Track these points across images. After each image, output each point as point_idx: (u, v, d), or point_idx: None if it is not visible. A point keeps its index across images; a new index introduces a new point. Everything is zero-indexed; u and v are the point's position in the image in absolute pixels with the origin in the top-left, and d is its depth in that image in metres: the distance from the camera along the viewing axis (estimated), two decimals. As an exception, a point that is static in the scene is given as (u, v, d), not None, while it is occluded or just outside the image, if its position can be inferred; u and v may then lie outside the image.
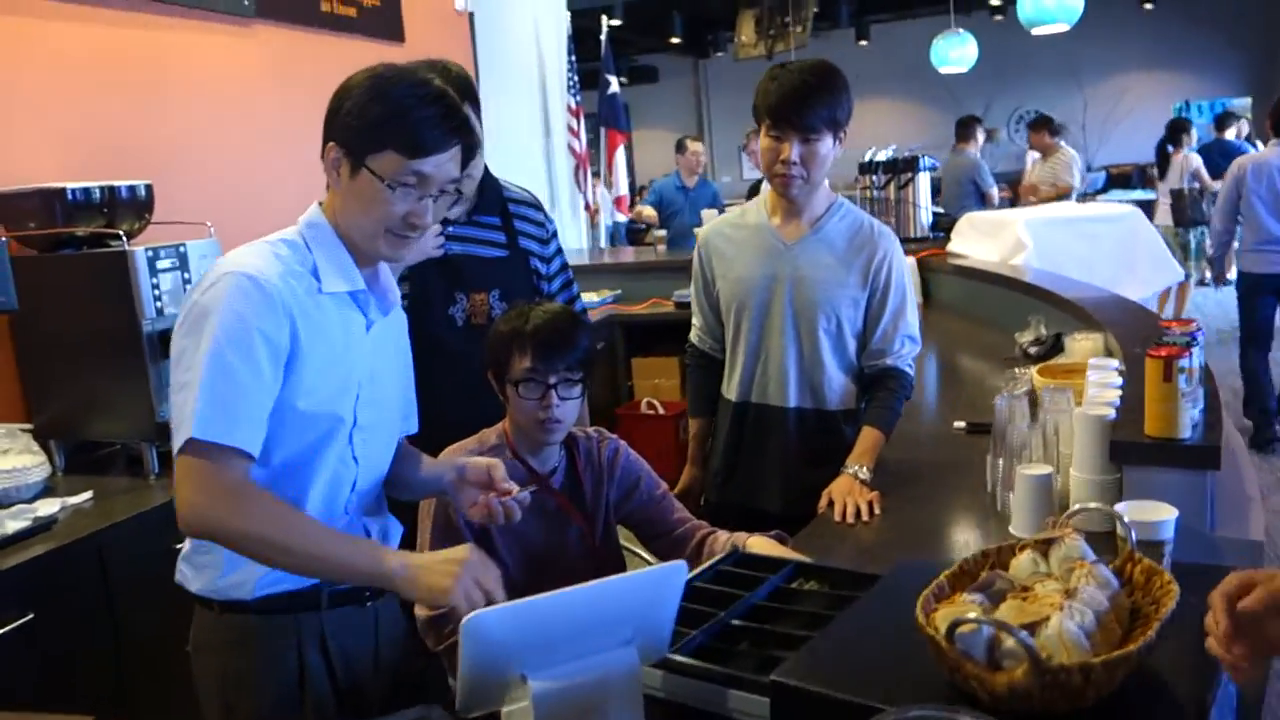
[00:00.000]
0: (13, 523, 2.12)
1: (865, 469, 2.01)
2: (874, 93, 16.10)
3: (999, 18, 13.67)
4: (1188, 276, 6.90)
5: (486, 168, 2.12)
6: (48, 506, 2.24)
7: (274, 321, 1.29)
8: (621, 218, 8.45)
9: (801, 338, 2.14)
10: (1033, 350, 3.06)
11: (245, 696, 1.38)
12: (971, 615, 1.01)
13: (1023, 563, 1.20)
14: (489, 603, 1.22)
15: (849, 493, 1.95)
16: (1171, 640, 1.10)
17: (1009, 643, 1.00)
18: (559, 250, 2.28)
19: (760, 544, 1.74)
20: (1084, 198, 10.57)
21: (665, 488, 1.99)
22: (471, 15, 5.25)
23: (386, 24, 4.23)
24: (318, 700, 1.39)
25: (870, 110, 16.59)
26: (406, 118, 1.32)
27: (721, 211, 4.33)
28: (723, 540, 1.85)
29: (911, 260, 4.37)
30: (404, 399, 1.61)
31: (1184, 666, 1.09)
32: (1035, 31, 5.77)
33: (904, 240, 4.66)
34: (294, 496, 1.35)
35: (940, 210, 5.09)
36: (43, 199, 2.49)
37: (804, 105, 1.99)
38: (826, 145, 2.04)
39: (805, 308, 2.12)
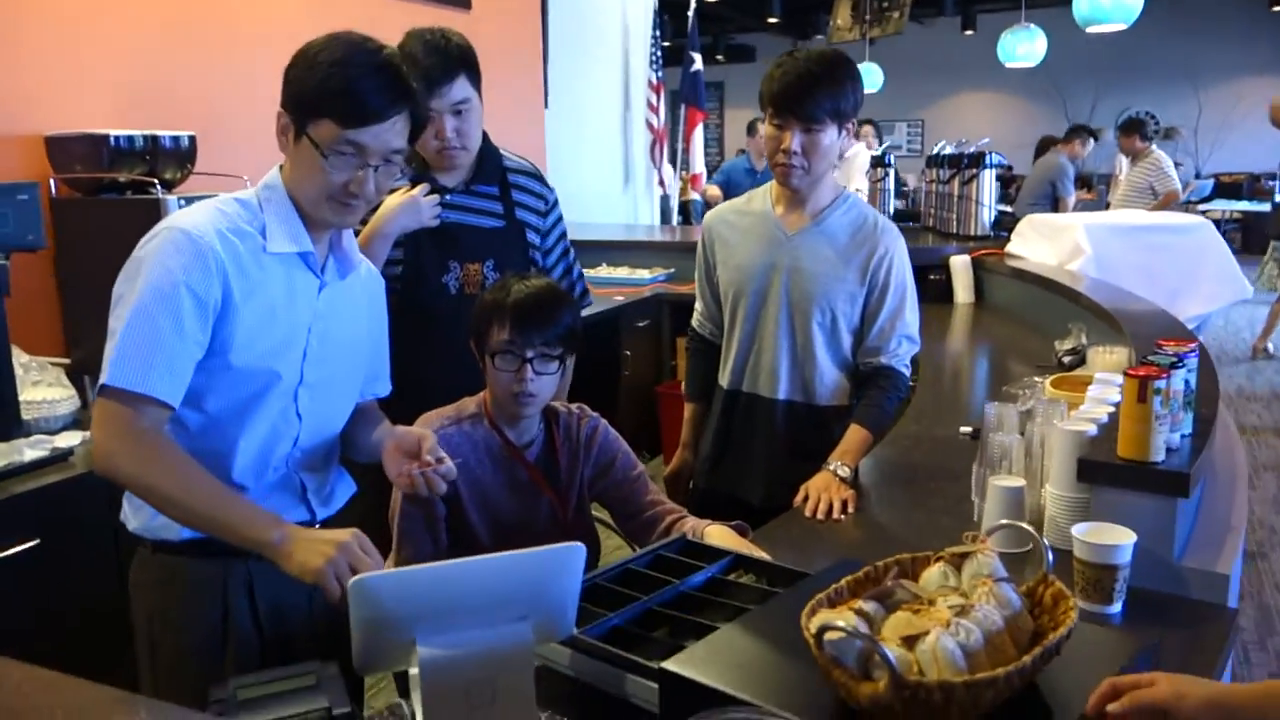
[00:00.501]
0: (31, 451, 2.23)
1: (845, 467, 1.98)
2: (976, 85, 15.67)
3: (1113, 12, 13.12)
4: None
5: (486, 136, 2.14)
6: (68, 439, 2.35)
7: (203, 277, 1.32)
8: (694, 195, 8.41)
9: (795, 330, 2.11)
10: (1067, 359, 2.97)
11: (169, 634, 1.43)
12: (839, 623, 0.99)
13: (933, 575, 1.17)
14: None
15: (825, 489, 1.93)
16: (1080, 668, 1.07)
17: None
18: (559, 220, 2.28)
19: (718, 534, 1.73)
20: (1187, 206, 10.14)
21: (641, 469, 1.99)
22: (545, -15, 5.25)
23: (453, -11, 4.27)
24: (241, 646, 1.44)
25: (970, 103, 16.22)
26: (345, 87, 1.33)
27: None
28: (689, 526, 1.85)
29: (966, 258, 4.27)
30: (369, 362, 1.64)
31: (1085, 694, 1.06)
32: (1091, 30, 5.52)
33: (963, 237, 4.58)
34: (225, 445, 1.39)
35: (1007, 209, 4.93)
36: (89, 144, 2.60)
37: (806, 95, 1.95)
38: (829, 136, 2.00)
39: (801, 299, 2.10)
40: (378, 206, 1.94)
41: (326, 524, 1.55)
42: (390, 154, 1.39)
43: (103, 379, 1.28)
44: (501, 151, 2.21)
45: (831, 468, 1.98)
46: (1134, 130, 6.77)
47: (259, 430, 1.42)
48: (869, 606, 1.09)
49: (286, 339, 1.42)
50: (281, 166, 1.46)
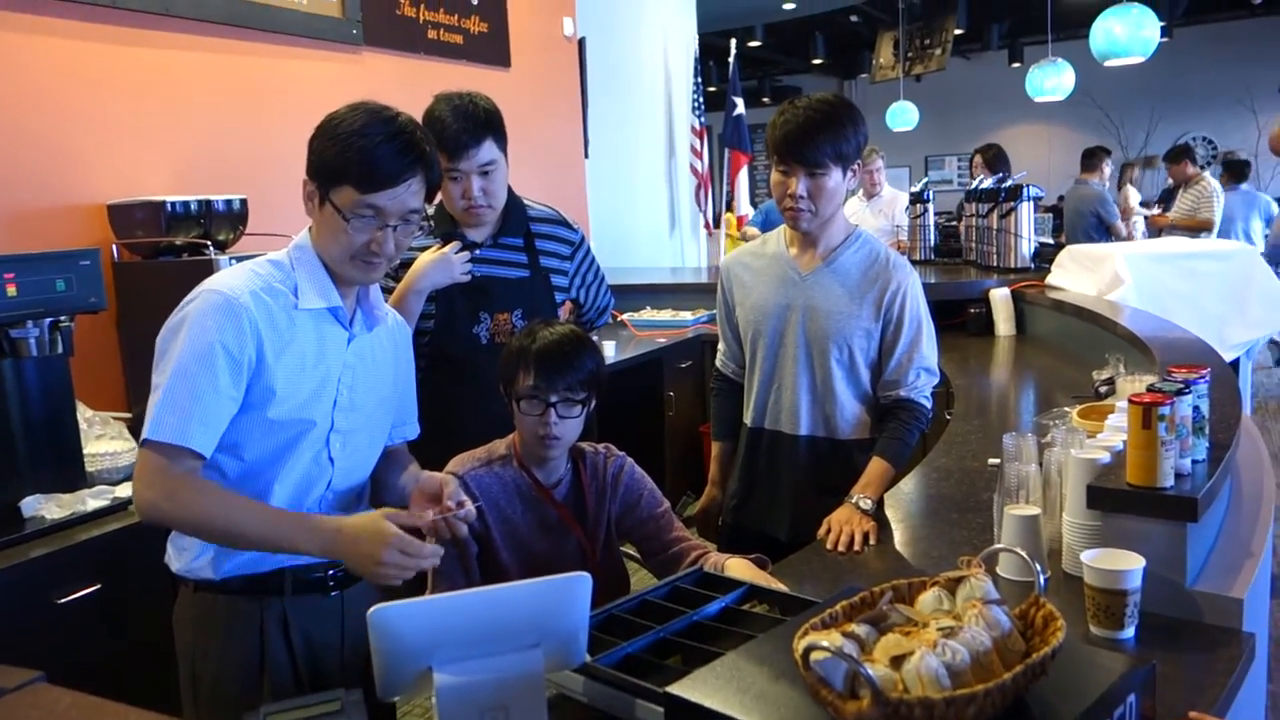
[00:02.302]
0: (94, 501, 2.35)
1: (867, 499, 2.01)
2: (1026, 117, 15.57)
3: (1164, 40, 13.02)
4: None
5: (511, 190, 2.24)
6: (128, 489, 2.47)
7: (237, 336, 1.42)
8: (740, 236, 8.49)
9: (814, 367, 2.16)
10: (1103, 389, 2.95)
11: (209, 668, 1.52)
12: (824, 643, 1.03)
13: (927, 599, 1.21)
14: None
15: (846, 521, 1.97)
16: (1070, 687, 1.10)
17: (866, 673, 1.03)
18: (585, 255, 2.41)
19: (738, 566, 1.78)
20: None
21: (667, 506, 2.05)
22: (582, 40, 5.41)
23: (493, 50, 4.43)
24: (276, 677, 1.52)
25: (1021, 135, 16.10)
26: (361, 154, 1.43)
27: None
28: (712, 560, 1.90)
29: (1006, 291, 4.27)
30: (398, 407, 1.73)
31: (1074, 713, 1.08)
32: (1108, 64, 5.48)
33: (1003, 270, 4.58)
34: (262, 490, 1.49)
35: (1049, 241, 4.92)
36: (148, 210, 2.77)
37: (808, 141, 2.01)
38: (834, 180, 2.06)
39: (818, 338, 2.14)
40: (407, 263, 2.05)
41: (349, 570, 1.62)
42: (407, 214, 1.49)
43: (144, 434, 1.39)
44: (525, 202, 2.31)
45: (854, 500, 2.02)
46: (1183, 156, 6.70)
47: (294, 475, 1.52)
48: (861, 629, 1.13)
49: (318, 389, 1.52)
50: (310, 229, 1.56)
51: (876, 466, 2.08)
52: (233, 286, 1.46)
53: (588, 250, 2.41)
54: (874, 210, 6.23)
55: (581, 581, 1.22)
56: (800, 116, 2.03)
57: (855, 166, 2.09)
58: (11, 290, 2.15)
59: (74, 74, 2.83)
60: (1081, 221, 6.39)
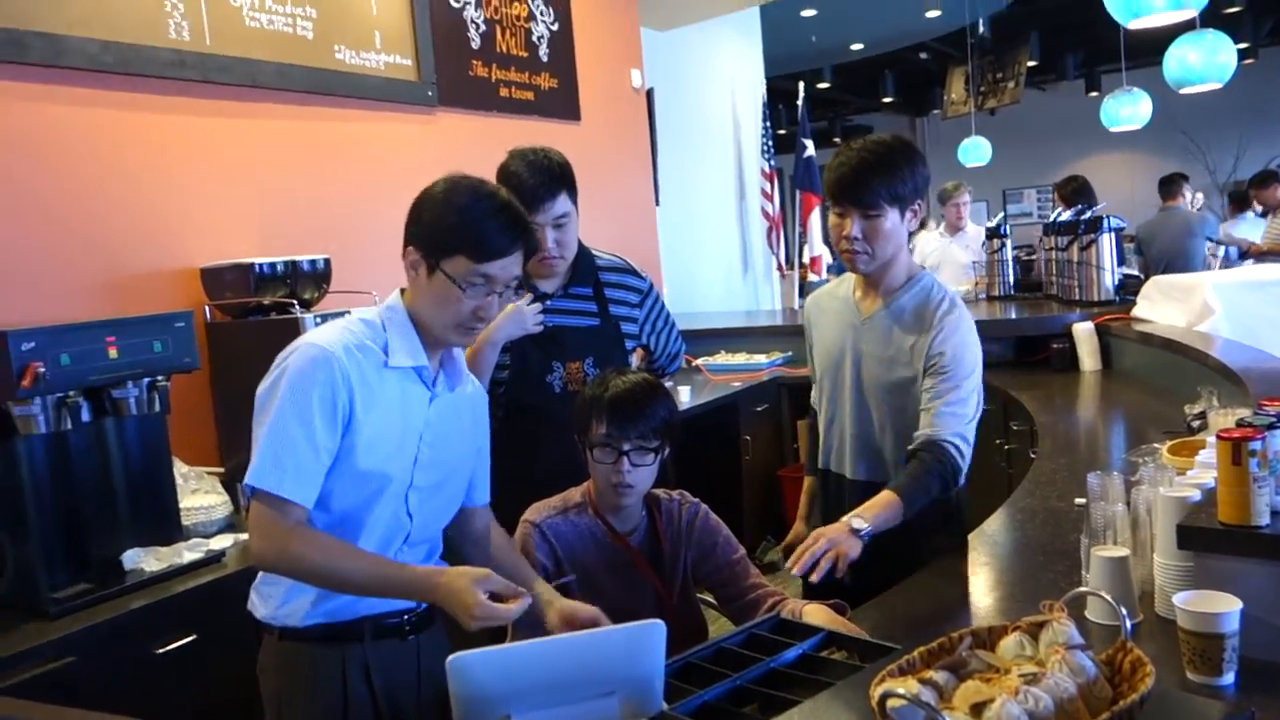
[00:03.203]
0: (189, 553, 2.44)
1: (862, 521, 1.81)
2: (1107, 146, 15.24)
3: (1249, 61, 12.65)
4: None
5: (580, 241, 2.28)
6: (221, 541, 2.56)
7: (332, 389, 1.49)
8: (814, 278, 8.46)
9: (867, 412, 2.13)
10: (1195, 424, 2.86)
11: (294, 714, 1.57)
12: (900, 690, 1.02)
13: (1009, 644, 1.19)
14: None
15: (827, 539, 1.77)
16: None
17: (945, 721, 1.01)
18: (655, 302, 2.43)
19: (815, 613, 1.75)
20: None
21: (742, 553, 2.04)
22: (650, 91, 5.50)
23: (564, 104, 4.54)
24: (359, 720, 1.56)
25: (1103, 165, 15.75)
26: (475, 228, 1.52)
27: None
28: (789, 606, 1.88)
29: (1089, 325, 4.18)
30: (472, 469, 1.78)
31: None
32: (1183, 92, 5.33)
33: (1086, 304, 4.47)
34: (348, 541, 1.54)
35: (1133, 273, 4.80)
36: (238, 272, 2.89)
37: (860, 183, 1.98)
38: (890, 221, 2.01)
39: (870, 383, 2.11)
40: None
41: (422, 615, 1.70)
42: (512, 281, 1.57)
43: (248, 479, 1.47)
44: (593, 252, 2.36)
45: (847, 520, 1.83)
46: (1271, 180, 6.49)
47: (376, 529, 1.57)
48: (939, 676, 1.11)
49: (400, 445, 1.58)
50: (403, 291, 1.64)
51: (884, 495, 1.89)
52: (328, 340, 1.53)
53: (657, 297, 2.44)
54: (960, 246, 6.14)
55: (656, 629, 1.23)
56: (854, 158, 2.01)
57: (916, 207, 2.06)
58: (113, 353, 2.26)
59: (169, 146, 2.99)
60: (1180, 247, 6.20)
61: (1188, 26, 4.80)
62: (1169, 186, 6.56)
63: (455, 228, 1.53)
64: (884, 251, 2.05)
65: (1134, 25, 3.56)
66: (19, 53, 2.58)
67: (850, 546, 1.77)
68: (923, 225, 6.31)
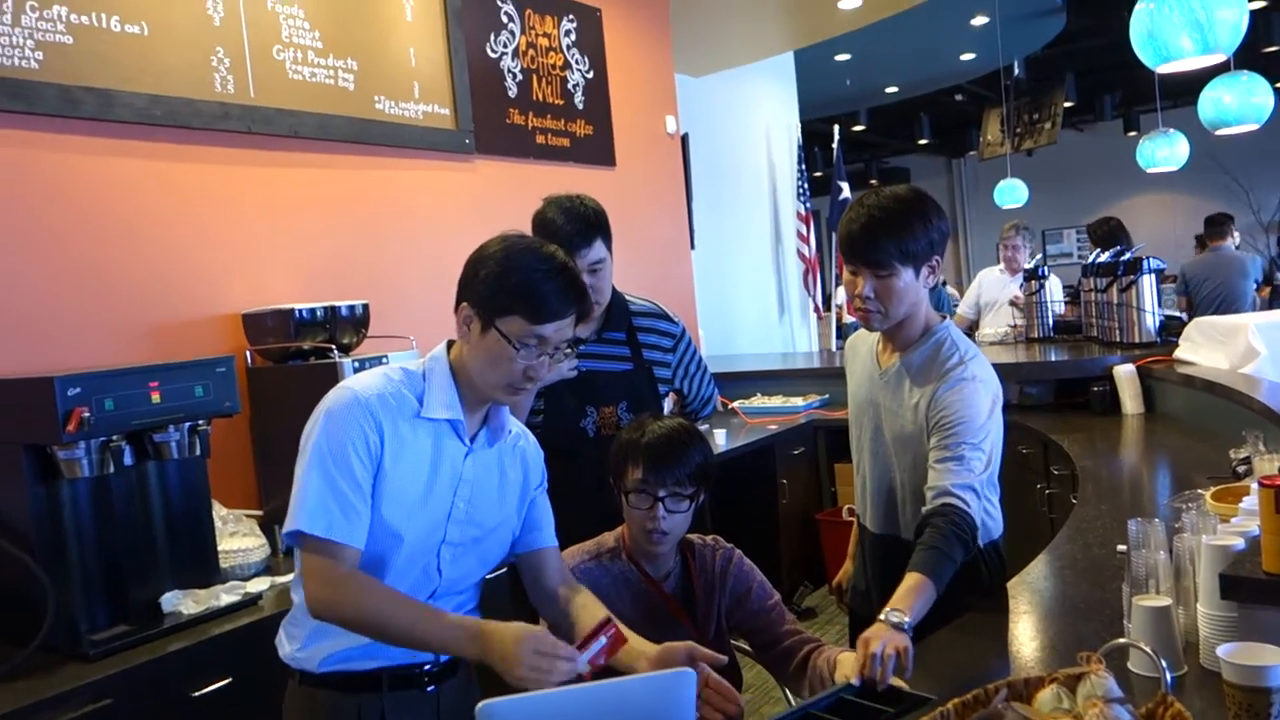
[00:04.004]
0: (226, 596, 2.46)
1: (900, 614, 1.68)
2: (1146, 187, 15.12)
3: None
4: None
5: (614, 286, 2.30)
6: (259, 584, 2.58)
7: (365, 435, 1.51)
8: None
9: (883, 464, 2.10)
10: (1241, 469, 2.80)
11: (313, 758, 1.56)
12: (934, 744, 1.00)
13: (1045, 697, 1.17)
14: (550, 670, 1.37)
15: (880, 640, 1.63)
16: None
17: (980, 777, 0.99)
18: (688, 347, 2.44)
19: (848, 661, 1.72)
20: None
21: (777, 599, 2.02)
22: (685, 136, 5.55)
23: (598, 151, 4.59)
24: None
25: (1143, 205, 15.61)
26: (533, 289, 1.52)
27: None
28: (825, 655, 1.86)
29: (1130, 367, 4.12)
30: (527, 520, 1.76)
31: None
32: (1219, 133, 5.27)
33: (1127, 346, 4.42)
34: None
35: (1175, 314, 4.73)
36: (278, 318, 2.94)
37: (870, 242, 1.93)
38: (903, 279, 1.95)
39: (885, 436, 2.09)
40: None
41: (445, 666, 1.68)
42: (566, 342, 1.58)
43: (296, 525, 1.47)
44: (626, 297, 2.37)
45: (886, 617, 1.69)
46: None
47: (401, 584, 1.56)
48: (975, 729, 1.09)
49: (426, 497, 1.58)
50: (450, 343, 1.65)
51: (912, 580, 1.75)
52: (365, 387, 1.55)
53: (689, 342, 2.45)
54: (1018, 285, 6.05)
55: (687, 677, 1.22)
56: (864, 216, 1.95)
57: (933, 263, 1.99)
58: (155, 397, 2.30)
59: (213, 196, 3.07)
60: (1232, 285, 6.11)
61: (1222, 68, 4.77)
62: (1216, 227, 6.51)
63: (513, 289, 1.53)
64: (897, 310, 1.98)
65: (1163, 70, 3.55)
66: (70, 108, 2.67)
67: (902, 641, 1.64)
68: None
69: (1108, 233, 5.73)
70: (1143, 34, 3.44)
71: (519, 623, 1.46)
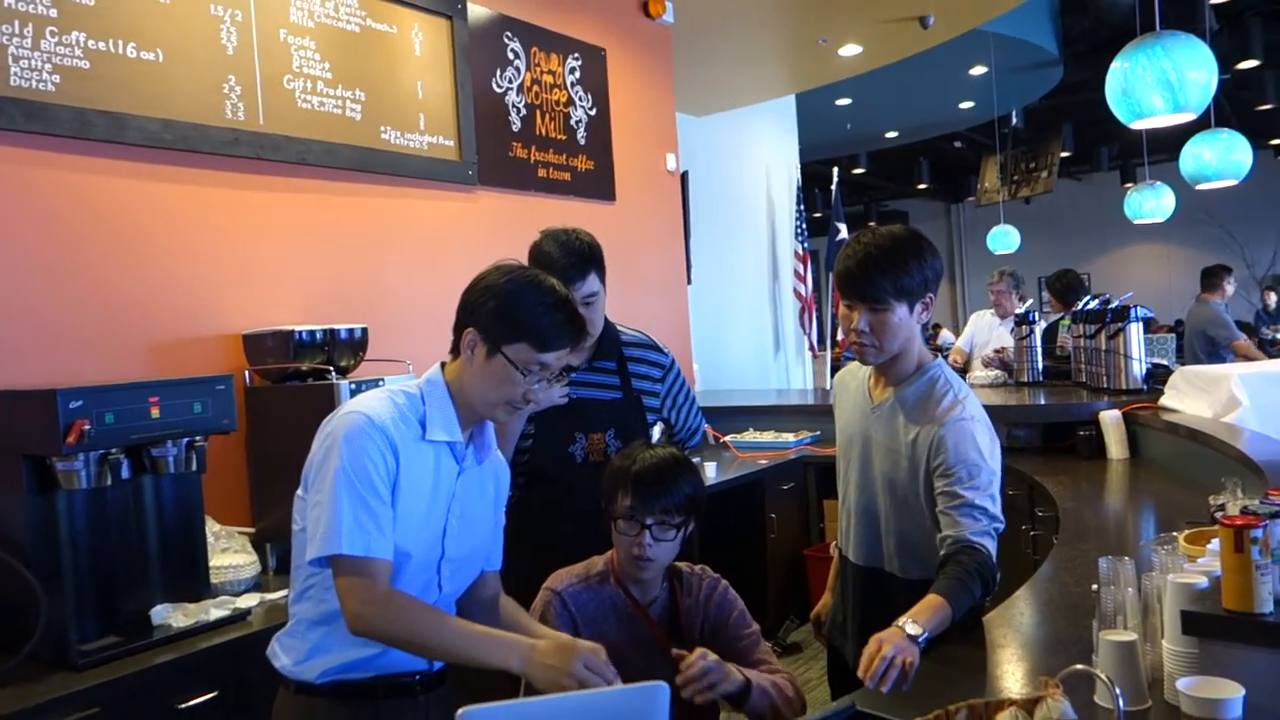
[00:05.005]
0: (216, 611, 2.49)
1: (917, 625, 1.73)
2: (1142, 237, 15.29)
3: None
4: None
5: (606, 318, 2.36)
6: (248, 600, 2.61)
7: (382, 456, 1.57)
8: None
9: (869, 498, 2.14)
10: (1218, 515, 2.84)
11: (305, 768, 1.60)
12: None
13: (1004, 719, 1.21)
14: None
15: (890, 644, 1.69)
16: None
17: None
18: (676, 377, 2.50)
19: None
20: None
21: (755, 630, 2.06)
22: (685, 174, 5.64)
23: (599, 185, 4.68)
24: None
25: (1138, 255, 15.76)
26: (542, 321, 1.62)
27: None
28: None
29: (1117, 413, 4.17)
30: (490, 538, 1.84)
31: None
32: (1199, 188, 5.39)
33: (1114, 392, 4.48)
34: None
35: (1162, 362, 4.80)
36: (278, 339, 3.00)
37: (866, 278, 1.98)
38: (898, 315, 2.00)
39: (873, 469, 2.12)
40: None
41: (435, 675, 1.74)
42: (564, 369, 1.68)
43: (334, 548, 1.51)
44: (618, 327, 2.43)
45: (902, 625, 1.74)
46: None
47: None
48: (933, 747, 1.13)
49: (427, 516, 1.64)
50: (443, 365, 1.72)
51: (933, 599, 1.81)
52: (378, 412, 1.61)
53: (678, 373, 2.50)
54: (1007, 329, 6.11)
55: (661, 691, 1.27)
56: (860, 253, 2.00)
57: (927, 300, 2.04)
58: (155, 412, 2.35)
59: (220, 219, 3.14)
60: (1196, 342, 6.22)
61: (1203, 125, 4.89)
62: (1210, 279, 6.62)
63: (524, 320, 1.62)
64: (891, 345, 2.03)
65: (1137, 126, 3.65)
66: (83, 129, 2.74)
67: (913, 654, 1.67)
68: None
69: (1065, 286, 5.82)
70: (1117, 91, 3.55)
71: (568, 635, 1.57)
